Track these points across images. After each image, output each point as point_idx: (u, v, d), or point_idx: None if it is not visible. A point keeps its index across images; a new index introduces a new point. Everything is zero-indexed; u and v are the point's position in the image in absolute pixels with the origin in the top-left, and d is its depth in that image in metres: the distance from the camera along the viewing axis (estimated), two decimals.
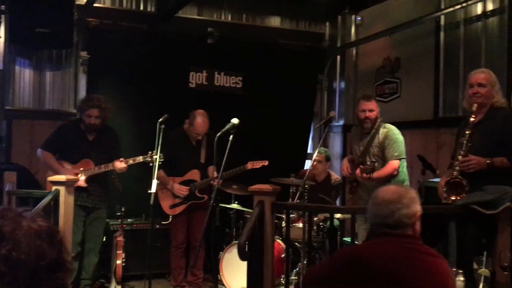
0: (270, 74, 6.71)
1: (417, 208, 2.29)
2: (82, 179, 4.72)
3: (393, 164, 4.48)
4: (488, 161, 3.51)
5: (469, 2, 5.12)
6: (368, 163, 4.48)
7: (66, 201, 3.86)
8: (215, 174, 4.71)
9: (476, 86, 3.70)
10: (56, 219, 3.79)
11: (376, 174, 4.44)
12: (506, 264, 2.82)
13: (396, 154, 4.48)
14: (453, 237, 3.32)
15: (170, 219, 5.17)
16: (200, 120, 5.06)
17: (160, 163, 4.70)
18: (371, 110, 4.58)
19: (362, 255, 2.23)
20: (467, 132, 3.64)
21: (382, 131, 4.56)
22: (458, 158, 3.62)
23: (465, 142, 3.63)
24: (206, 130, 5.12)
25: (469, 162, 3.56)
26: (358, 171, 4.48)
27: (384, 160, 4.52)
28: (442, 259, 2.26)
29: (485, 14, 5.12)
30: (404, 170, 4.59)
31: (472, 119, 3.63)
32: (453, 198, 3.51)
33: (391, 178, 4.49)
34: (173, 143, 5.09)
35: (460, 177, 3.55)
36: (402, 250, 2.21)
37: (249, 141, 6.01)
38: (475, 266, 2.92)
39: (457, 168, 3.59)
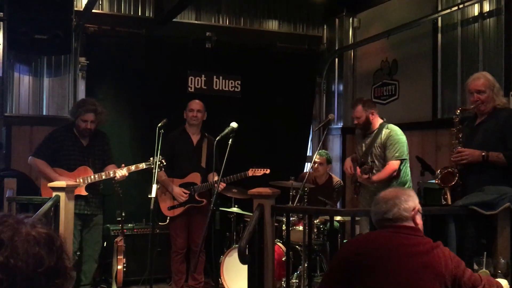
0: (268, 78, 6.73)
1: (415, 202, 2.45)
2: (82, 188, 4.62)
3: (393, 164, 4.47)
4: (483, 154, 3.56)
5: (466, 4, 5.14)
6: (367, 166, 4.50)
7: (66, 207, 3.87)
8: (215, 178, 4.72)
9: (476, 93, 3.75)
10: (56, 225, 3.79)
11: (376, 176, 4.44)
12: (501, 271, 2.85)
13: (396, 154, 4.47)
14: (453, 238, 3.33)
15: (168, 221, 5.15)
16: (194, 101, 5.21)
17: (163, 167, 4.71)
18: (357, 117, 4.64)
19: (358, 245, 2.42)
20: (455, 120, 3.81)
21: (384, 131, 4.56)
22: (453, 151, 3.76)
23: (455, 131, 3.79)
24: (200, 108, 5.15)
25: (462, 154, 3.64)
26: (358, 171, 4.50)
27: (385, 161, 4.53)
28: (440, 248, 2.34)
29: (482, 15, 5.14)
30: (406, 171, 4.57)
31: (458, 111, 3.88)
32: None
33: (392, 179, 4.49)
34: (173, 144, 5.11)
35: (451, 168, 3.73)
36: (397, 239, 2.32)
37: (249, 145, 6.02)
38: (475, 266, 2.91)
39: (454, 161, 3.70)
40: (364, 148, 4.67)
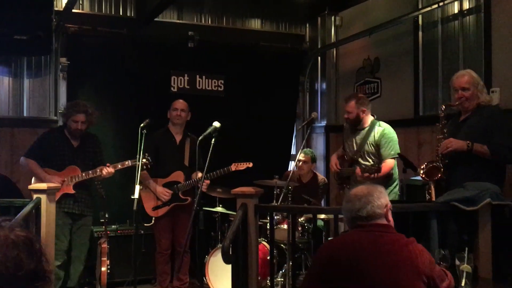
0: (251, 77, 6.73)
1: (387, 199, 2.45)
2: (69, 186, 4.71)
3: (390, 163, 4.51)
4: (467, 143, 3.62)
5: (446, 1, 5.18)
6: (369, 163, 4.52)
7: (47, 209, 3.82)
8: (199, 175, 4.72)
9: (460, 90, 3.81)
10: (38, 228, 3.75)
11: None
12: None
13: (392, 152, 4.51)
14: (435, 234, 3.36)
15: (153, 221, 5.13)
16: (178, 100, 5.25)
17: (149, 167, 4.72)
18: (348, 112, 4.65)
19: (333, 248, 2.39)
20: (441, 115, 3.91)
21: (377, 129, 4.57)
22: (438, 145, 3.82)
23: (440, 126, 3.88)
24: (184, 108, 5.18)
25: (447, 142, 3.69)
26: (358, 170, 4.48)
27: (379, 159, 4.54)
28: (415, 244, 2.34)
29: (461, 13, 5.19)
30: (395, 169, 4.63)
31: (444, 107, 3.96)
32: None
33: (389, 177, 4.52)
34: (156, 143, 5.11)
35: (436, 163, 3.79)
36: (372, 239, 2.31)
37: (232, 144, 6.02)
38: (457, 262, 2.95)
39: (439, 153, 3.78)
40: (356, 146, 4.68)
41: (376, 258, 2.25)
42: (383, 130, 4.56)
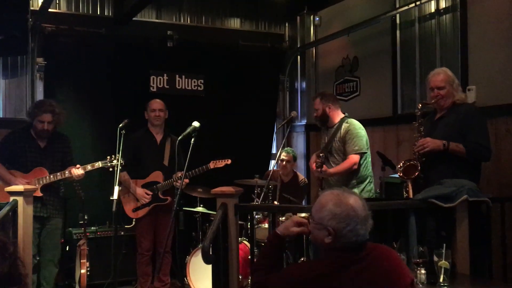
0: (231, 76, 6.73)
1: None
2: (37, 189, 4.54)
3: (353, 158, 4.48)
4: (444, 142, 3.66)
5: (423, 1, 5.25)
6: (319, 159, 4.55)
7: (24, 211, 3.76)
8: (178, 174, 4.70)
9: (436, 89, 3.85)
10: (14, 231, 3.69)
11: (334, 169, 4.50)
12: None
13: (356, 148, 4.48)
14: (413, 231, 3.40)
15: (134, 223, 5.09)
16: (154, 100, 5.20)
17: (121, 167, 4.66)
18: (316, 109, 4.73)
19: (320, 277, 2.07)
20: (417, 114, 3.93)
21: (344, 126, 4.59)
22: (415, 144, 3.85)
23: (416, 125, 3.90)
24: (162, 107, 5.15)
25: (423, 142, 3.73)
26: (313, 166, 4.54)
27: (345, 155, 4.57)
28: (394, 252, 2.26)
29: (438, 11, 5.26)
30: (367, 166, 4.60)
31: (420, 105, 3.95)
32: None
33: (352, 173, 4.53)
34: (136, 143, 5.08)
35: (413, 161, 3.82)
36: (380, 265, 2.11)
37: (213, 144, 6.01)
38: (435, 258, 2.98)
39: (415, 151, 3.81)
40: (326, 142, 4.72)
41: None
42: (348, 126, 4.56)
